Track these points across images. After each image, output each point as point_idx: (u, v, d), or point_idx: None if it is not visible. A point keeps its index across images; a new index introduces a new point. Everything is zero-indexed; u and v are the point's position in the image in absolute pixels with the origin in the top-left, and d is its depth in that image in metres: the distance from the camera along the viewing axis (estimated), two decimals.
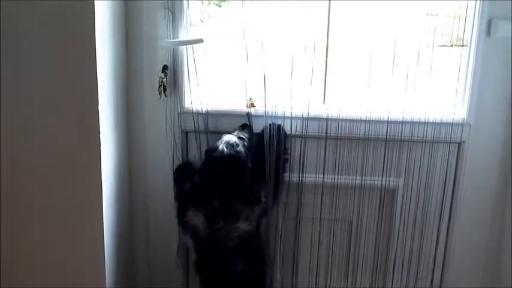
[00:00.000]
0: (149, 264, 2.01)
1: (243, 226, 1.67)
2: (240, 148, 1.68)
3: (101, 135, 1.55)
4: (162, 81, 1.79)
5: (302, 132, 1.83)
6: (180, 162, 1.87)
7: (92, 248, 1.62)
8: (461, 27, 1.79)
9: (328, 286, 1.99)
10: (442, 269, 1.97)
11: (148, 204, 1.95)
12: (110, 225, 1.69)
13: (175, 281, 2.01)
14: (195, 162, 1.87)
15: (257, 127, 1.83)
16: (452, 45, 1.82)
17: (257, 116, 1.83)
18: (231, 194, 1.67)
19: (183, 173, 1.85)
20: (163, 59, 1.80)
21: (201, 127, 1.85)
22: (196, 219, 1.70)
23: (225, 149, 1.66)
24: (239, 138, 1.72)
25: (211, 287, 1.77)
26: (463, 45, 1.80)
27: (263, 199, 1.72)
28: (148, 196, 1.94)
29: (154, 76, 1.80)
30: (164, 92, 1.79)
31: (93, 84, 1.50)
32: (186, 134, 1.89)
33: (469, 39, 1.78)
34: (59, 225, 1.61)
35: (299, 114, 1.82)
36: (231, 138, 1.70)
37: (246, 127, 1.80)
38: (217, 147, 1.67)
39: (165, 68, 1.80)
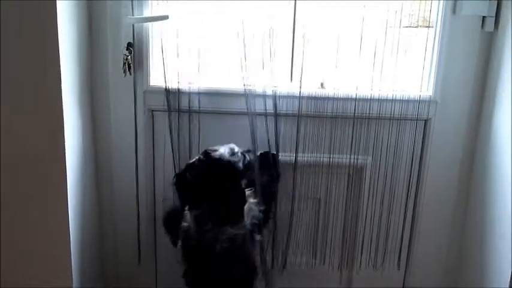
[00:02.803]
0: (116, 247, 2.07)
1: (232, 229, 1.66)
2: (240, 163, 1.71)
3: (65, 114, 1.57)
4: (126, 59, 1.82)
5: (270, 110, 1.88)
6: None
7: (56, 226, 1.61)
8: (427, 8, 1.86)
9: (297, 264, 2.07)
10: (409, 246, 2.07)
11: (114, 185, 1.99)
12: (75, 208, 1.72)
13: (145, 269, 2.08)
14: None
15: (231, 105, 1.90)
16: (418, 27, 1.89)
17: (231, 95, 1.89)
18: (222, 197, 1.68)
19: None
20: (127, 36, 1.82)
21: (168, 106, 1.89)
22: (189, 221, 1.70)
23: (226, 155, 1.69)
24: (243, 153, 1.75)
25: None
26: (429, 27, 1.88)
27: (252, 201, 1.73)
28: (114, 176, 1.98)
29: (118, 54, 1.83)
30: (129, 70, 1.83)
31: (55, 62, 1.51)
32: (152, 112, 1.93)
33: (435, 18, 1.85)
34: (20, 207, 1.61)
35: (267, 93, 1.87)
36: (236, 148, 1.73)
37: (250, 152, 1.81)
38: (218, 149, 1.70)
39: (129, 45, 1.82)
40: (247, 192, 1.75)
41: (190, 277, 1.72)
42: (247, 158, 1.76)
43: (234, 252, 1.66)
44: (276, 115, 1.89)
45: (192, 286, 1.73)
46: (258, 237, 1.73)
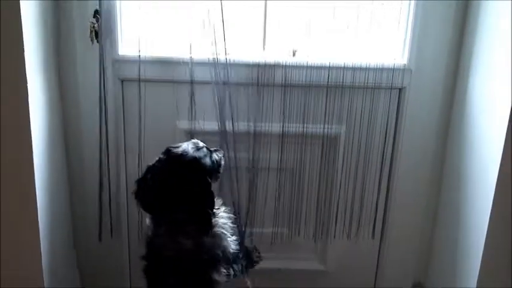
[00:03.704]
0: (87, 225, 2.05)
1: (185, 242, 1.56)
2: (207, 159, 1.60)
3: (29, 85, 1.53)
4: (93, 27, 1.79)
5: (242, 80, 1.87)
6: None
7: (23, 206, 1.60)
8: None
9: (271, 234, 2.08)
10: (384, 216, 2.08)
11: (83, 157, 1.96)
12: (42, 180, 1.69)
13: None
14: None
15: (201, 75, 1.86)
16: None
17: (200, 64, 1.85)
18: (187, 198, 1.56)
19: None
20: (94, 3, 1.78)
21: (138, 75, 1.86)
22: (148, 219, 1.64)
23: (190, 150, 1.58)
24: (209, 149, 1.65)
25: None
26: None
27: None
28: (82, 147, 1.95)
29: (85, 21, 1.80)
30: (96, 38, 1.80)
31: (16, 30, 1.46)
32: (122, 82, 1.90)
33: None
34: None
35: (239, 62, 1.85)
36: (200, 143, 1.63)
37: (218, 151, 1.71)
38: (180, 146, 1.60)
39: (96, 12, 1.79)
40: (221, 209, 1.67)
41: (147, 274, 1.64)
42: (216, 156, 1.65)
43: (183, 264, 1.57)
44: (258, 85, 1.87)
45: (149, 283, 1.65)
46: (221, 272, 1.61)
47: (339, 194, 2.04)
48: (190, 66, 1.85)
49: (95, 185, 1.98)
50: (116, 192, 2.00)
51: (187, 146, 1.59)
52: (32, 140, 1.56)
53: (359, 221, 2.08)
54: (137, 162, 1.95)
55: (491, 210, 1.67)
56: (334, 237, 2.09)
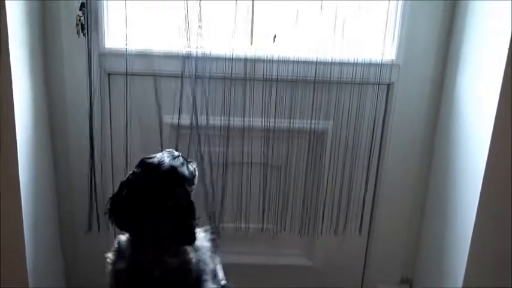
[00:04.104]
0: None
1: (172, 261, 1.47)
2: (184, 168, 1.52)
3: (13, 78, 1.53)
4: (79, 20, 1.79)
5: (228, 74, 1.86)
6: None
7: (6, 203, 1.60)
8: None
9: (260, 230, 2.09)
10: (371, 213, 2.08)
11: (69, 153, 1.96)
12: (28, 176, 1.68)
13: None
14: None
15: (183, 69, 1.85)
16: None
17: (185, 58, 1.84)
18: (166, 210, 1.46)
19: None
20: None
21: (125, 69, 1.85)
22: (125, 243, 1.52)
23: (166, 159, 1.50)
24: (185, 158, 1.57)
25: None
26: None
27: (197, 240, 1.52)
28: (69, 144, 1.95)
29: (71, 14, 1.79)
30: (82, 31, 1.79)
31: (0, 20, 1.47)
32: (108, 76, 1.89)
33: None
34: None
35: (225, 55, 1.84)
36: (176, 152, 1.56)
37: (192, 162, 1.62)
38: (155, 156, 1.51)
39: (82, 5, 1.78)
40: (200, 230, 1.58)
41: None
42: (191, 167, 1.57)
43: (172, 282, 1.47)
44: (245, 79, 1.87)
45: None
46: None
47: (326, 189, 2.04)
48: (179, 60, 1.85)
49: (81, 182, 1.97)
50: (102, 186, 1.99)
51: (162, 155, 1.52)
52: (16, 135, 1.56)
53: (346, 217, 2.08)
54: (124, 158, 1.95)
55: (479, 204, 1.67)
56: (321, 233, 2.09)
